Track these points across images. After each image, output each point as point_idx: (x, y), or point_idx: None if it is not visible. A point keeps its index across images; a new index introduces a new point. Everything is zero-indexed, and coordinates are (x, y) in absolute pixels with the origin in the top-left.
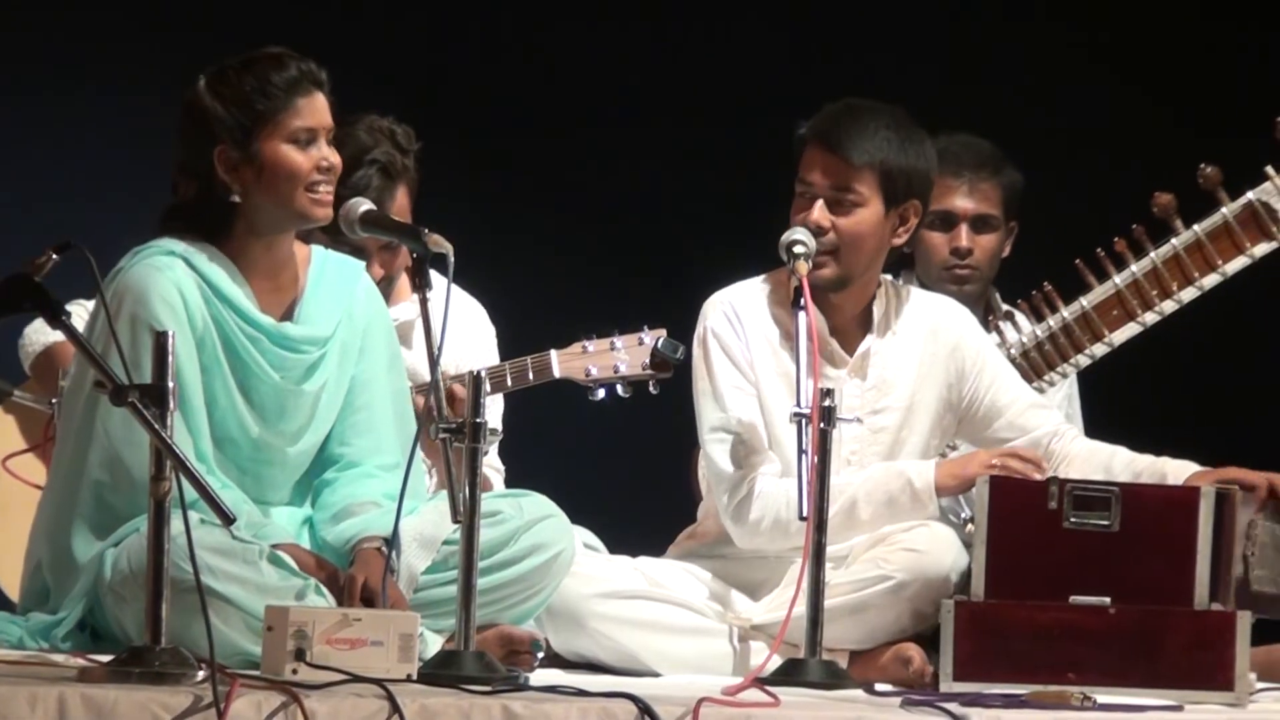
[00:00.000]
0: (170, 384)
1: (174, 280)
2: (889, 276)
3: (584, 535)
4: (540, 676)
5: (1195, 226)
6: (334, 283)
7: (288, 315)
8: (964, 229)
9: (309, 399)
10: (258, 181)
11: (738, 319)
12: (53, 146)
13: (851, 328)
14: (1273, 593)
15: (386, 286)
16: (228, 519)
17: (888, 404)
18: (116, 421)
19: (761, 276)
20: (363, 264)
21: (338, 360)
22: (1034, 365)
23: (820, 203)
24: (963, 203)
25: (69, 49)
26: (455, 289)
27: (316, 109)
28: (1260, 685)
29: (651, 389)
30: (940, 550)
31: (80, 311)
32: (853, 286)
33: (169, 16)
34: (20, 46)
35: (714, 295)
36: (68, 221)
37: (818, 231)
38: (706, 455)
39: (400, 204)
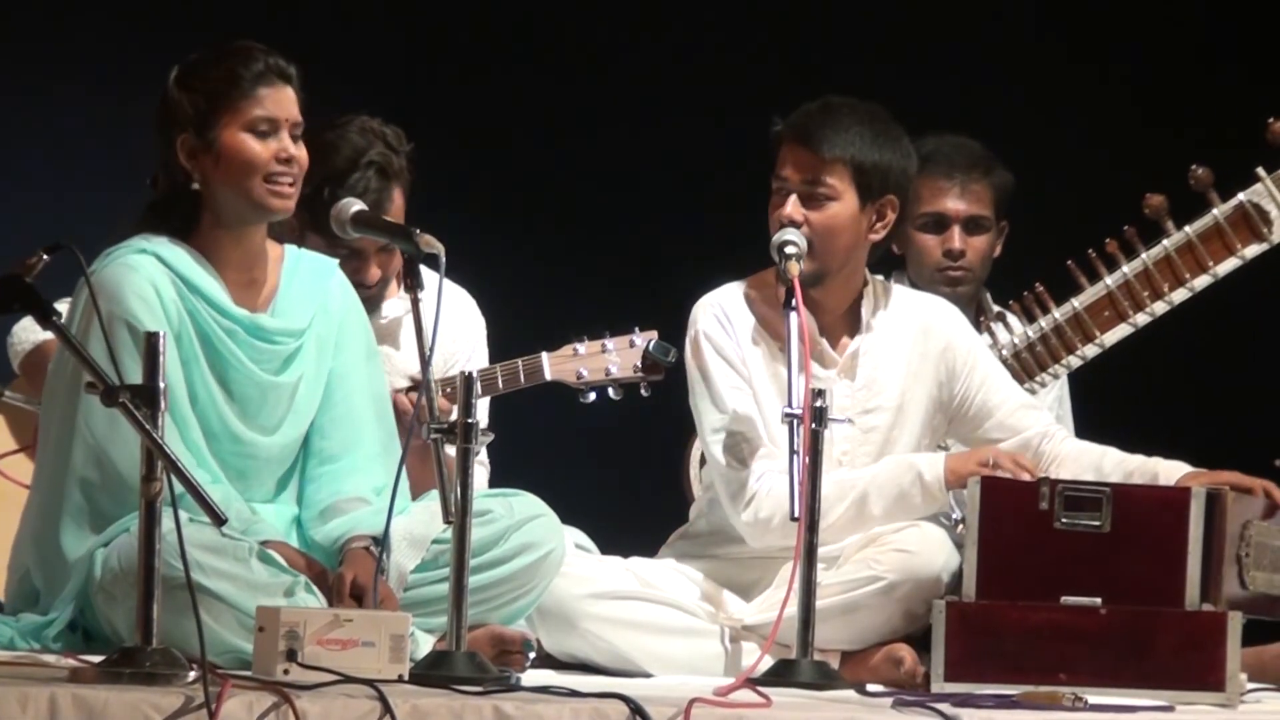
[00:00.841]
0: (161, 384)
1: (148, 277)
2: (880, 277)
3: (575, 536)
4: (532, 677)
5: (1186, 228)
6: (308, 278)
7: (262, 309)
8: (956, 230)
9: (286, 391)
10: (216, 169)
11: (728, 320)
12: (40, 146)
13: (839, 327)
14: (1268, 594)
15: (382, 287)
16: (219, 519)
17: (878, 404)
18: (99, 418)
19: (745, 280)
20: (336, 262)
21: (314, 353)
22: (1025, 366)
23: (794, 197)
24: (955, 204)
25: (57, 48)
26: (445, 282)
27: (280, 100)
28: (1251, 686)
29: (643, 391)
30: (931, 551)
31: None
32: (830, 283)
33: (162, 15)
34: (9, 45)
35: (702, 299)
36: (55, 221)
37: (791, 225)
38: (711, 457)
39: (397, 205)
